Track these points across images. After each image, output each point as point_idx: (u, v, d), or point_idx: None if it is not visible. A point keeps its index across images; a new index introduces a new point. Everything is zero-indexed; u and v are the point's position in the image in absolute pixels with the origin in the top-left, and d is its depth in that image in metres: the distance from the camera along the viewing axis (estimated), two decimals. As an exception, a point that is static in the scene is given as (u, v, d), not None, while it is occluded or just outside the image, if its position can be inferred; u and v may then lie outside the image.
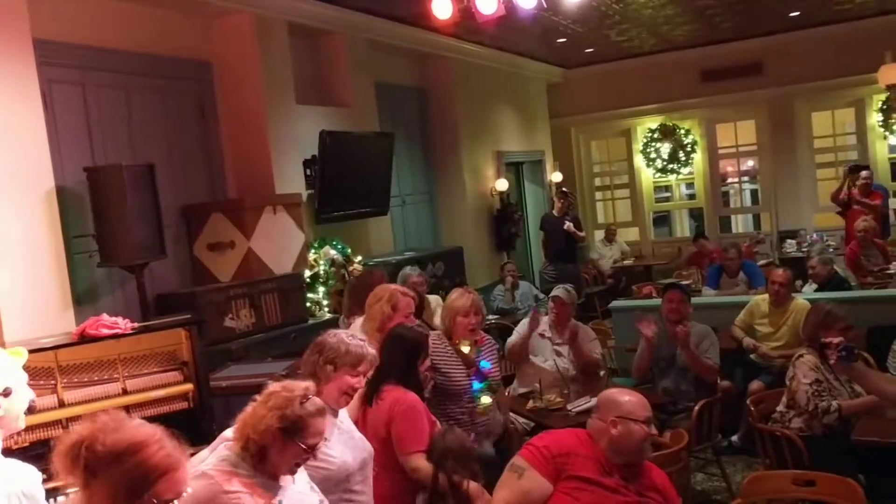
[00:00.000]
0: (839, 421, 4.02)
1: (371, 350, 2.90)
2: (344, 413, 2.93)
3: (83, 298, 5.07)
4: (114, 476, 1.67)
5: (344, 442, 2.81)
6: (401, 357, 3.31)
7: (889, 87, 8.97)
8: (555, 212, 9.83)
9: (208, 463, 2.30)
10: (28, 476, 2.28)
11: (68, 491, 1.82)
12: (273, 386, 2.36)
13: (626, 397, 3.00)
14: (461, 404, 3.88)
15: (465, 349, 3.93)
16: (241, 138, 6.52)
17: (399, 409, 3.15)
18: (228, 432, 2.38)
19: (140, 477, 1.68)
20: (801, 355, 4.27)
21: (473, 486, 2.97)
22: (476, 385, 3.90)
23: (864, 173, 8.62)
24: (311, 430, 2.28)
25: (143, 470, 1.68)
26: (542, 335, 5.20)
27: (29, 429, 3.55)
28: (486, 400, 3.91)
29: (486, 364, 3.98)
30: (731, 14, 9.61)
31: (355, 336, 2.94)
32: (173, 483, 1.72)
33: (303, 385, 2.37)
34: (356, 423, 3.14)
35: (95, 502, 1.70)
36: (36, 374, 3.64)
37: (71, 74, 5.27)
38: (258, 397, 2.35)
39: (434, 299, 6.10)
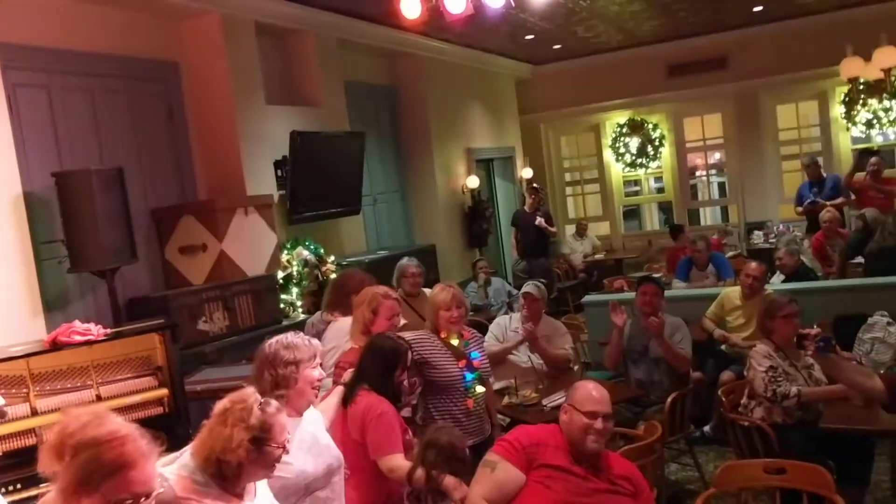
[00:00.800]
0: (799, 406, 4.09)
1: (309, 340, 2.88)
2: (309, 417, 2.91)
3: (53, 304, 5.01)
4: (74, 467, 1.67)
5: (306, 448, 2.79)
6: (377, 365, 3.33)
7: (851, 80, 9.12)
8: (526, 207, 9.89)
9: (170, 468, 2.27)
10: None
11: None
12: (221, 404, 2.32)
13: (582, 388, 3.11)
14: (455, 397, 3.91)
15: (455, 342, 3.97)
16: (211, 139, 6.48)
17: (372, 415, 3.18)
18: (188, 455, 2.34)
19: (94, 469, 1.67)
20: (753, 345, 4.37)
21: (450, 479, 2.98)
22: (468, 376, 3.94)
23: (873, 159, 8.57)
24: (277, 428, 2.30)
25: (99, 463, 1.68)
26: (515, 331, 5.23)
27: (1, 438, 3.53)
28: (479, 389, 3.97)
29: (476, 355, 4.04)
30: (696, 9, 9.74)
31: (286, 336, 2.89)
32: (128, 481, 1.70)
33: (250, 391, 2.35)
34: (335, 424, 3.15)
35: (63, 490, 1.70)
36: (7, 383, 3.61)
37: (36, 78, 5.20)
38: (212, 419, 2.31)
39: (429, 292, 6.10)
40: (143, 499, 1.72)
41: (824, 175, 9.08)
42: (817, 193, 8.85)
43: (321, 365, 2.91)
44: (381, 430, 3.15)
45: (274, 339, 2.88)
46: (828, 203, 8.44)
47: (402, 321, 4.15)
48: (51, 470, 1.71)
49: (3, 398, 3.54)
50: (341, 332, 4.19)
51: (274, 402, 2.35)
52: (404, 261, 6.17)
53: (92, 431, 1.70)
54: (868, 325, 5.04)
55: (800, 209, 9.08)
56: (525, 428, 3.24)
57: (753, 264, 5.98)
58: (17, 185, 4.58)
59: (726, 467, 3.44)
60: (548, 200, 12.07)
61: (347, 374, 3.42)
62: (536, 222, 9.47)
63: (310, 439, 2.85)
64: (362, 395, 3.25)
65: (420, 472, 3.00)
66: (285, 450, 2.33)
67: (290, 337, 2.87)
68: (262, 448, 2.25)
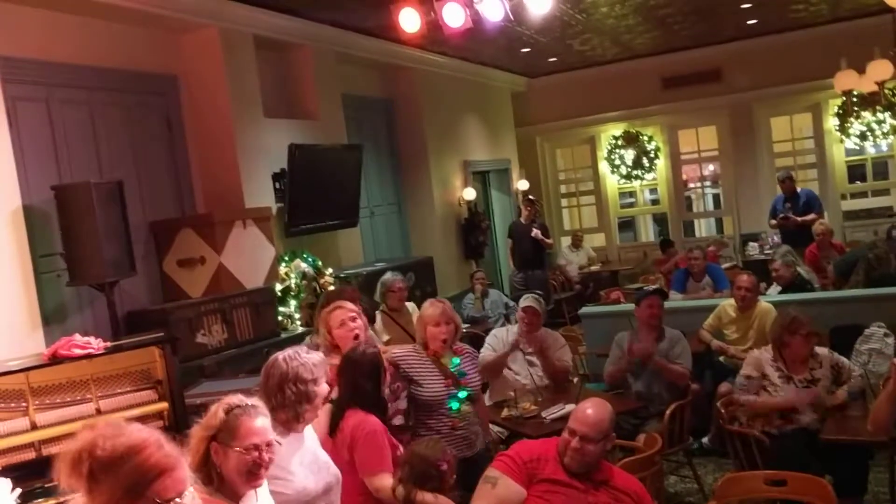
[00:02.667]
0: (752, 416, 4.21)
1: (313, 356, 2.92)
2: (307, 435, 2.92)
3: (51, 318, 5.00)
4: (115, 478, 1.69)
5: (307, 465, 2.80)
6: (358, 381, 3.28)
7: (845, 93, 9.19)
8: (522, 219, 9.92)
9: None
10: None
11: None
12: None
13: (581, 405, 3.16)
14: (440, 414, 3.85)
15: (445, 360, 3.90)
16: (209, 153, 6.49)
17: (360, 432, 3.14)
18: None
19: (140, 477, 1.71)
20: (758, 350, 4.43)
21: (427, 496, 2.94)
22: (456, 394, 3.87)
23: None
24: (242, 431, 2.31)
25: (142, 470, 1.71)
26: (511, 344, 5.21)
27: (0, 452, 3.52)
28: (465, 408, 3.90)
29: (464, 374, 3.96)
30: (691, 22, 9.80)
31: (300, 352, 2.93)
32: (172, 482, 1.74)
33: (230, 398, 2.40)
34: (324, 443, 3.11)
35: None
36: (7, 397, 3.60)
37: (35, 91, 5.20)
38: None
39: (411, 307, 6.12)
40: (184, 495, 1.77)
41: (798, 190, 9.20)
42: (790, 209, 8.98)
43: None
44: (369, 449, 3.12)
45: (287, 355, 2.90)
46: (799, 219, 8.63)
47: (367, 330, 4.08)
48: (68, 484, 1.72)
49: (2, 412, 3.54)
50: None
51: (244, 401, 2.37)
52: (388, 275, 6.19)
53: (124, 441, 1.73)
54: (865, 336, 5.08)
55: (773, 222, 9.22)
56: (526, 443, 3.26)
57: (745, 276, 5.99)
58: (16, 199, 4.58)
59: (727, 479, 3.46)
60: (544, 212, 12.11)
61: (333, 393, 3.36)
62: (533, 234, 9.50)
63: (310, 456, 2.86)
64: (350, 414, 3.22)
65: (400, 490, 2.97)
66: (260, 458, 2.33)
67: (304, 354, 2.90)
68: (226, 450, 2.30)
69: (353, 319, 3.90)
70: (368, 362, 3.34)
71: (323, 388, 2.88)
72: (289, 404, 2.79)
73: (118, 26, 5.80)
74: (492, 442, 4.39)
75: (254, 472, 2.34)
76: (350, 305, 3.98)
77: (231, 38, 6.52)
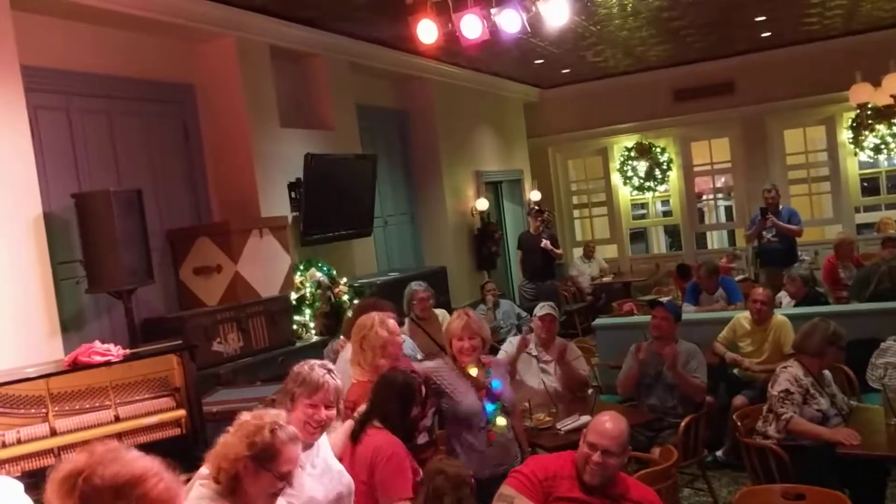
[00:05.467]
0: (786, 431, 4.14)
1: (332, 381, 2.85)
2: (322, 444, 2.90)
3: (69, 325, 5.04)
4: None
5: (316, 476, 2.78)
6: (391, 403, 3.23)
7: (860, 106, 9.18)
8: (531, 230, 9.92)
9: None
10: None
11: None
12: (243, 415, 2.36)
13: (599, 417, 3.13)
14: (474, 429, 3.77)
15: (473, 372, 3.82)
16: (226, 161, 6.54)
17: (382, 456, 3.08)
18: (204, 469, 2.36)
19: None
20: (786, 367, 4.38)
21: None
22: (489, 407, 3.79)
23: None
24: (282, 458, 2.27)
25: (148, 500, 1.67)
26: (527, 353, 5.21)
27: (20, 458, 3.55)
28: (501, 422, 3.81)
29: (497, 384, 3.86)
30: (704, 35, 9.82)
31: (325, 365, 2.90)
32: None
33: (273, 413, 2.37)
34: (341, 459, 3.07)
35: None
36: (27, 403, 3.63)
37: (56, 100, 5.28)
38: (230, 428, 2.35)
39: (441, 313, 6.14)
40: None
41: (780, 207, 8.38)
42: (772, 226, 8.42)
43: (325, 406, 2.88)
44: (390, 472, 3.05)
45: (310, 361, 2.91)
46: (784, 224, 8.02)
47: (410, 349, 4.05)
48: None
49: (23, 418, 3.56)
50: (348, 363, 4.02)
51: (291, 430, 2.34)
52: (413, 285, 6.21)
53: (125, 471, 1.68)
54: (881, 350, 5.04)
55: (748, 233, 8.74)
56: (540, 459, 3.25)
57: (760, 289, 5.98)
58: (37, 206, 4.62)
59: (745, 493, 3.44)
60: (555, 223, 12.11)
61: (359, 411, 3.31)
62: (542, 245, 9.49)
63: (322, 465, 2.85)
64: (372, 434, 3.16)
65: None
66: (287, 483, 2.31)
67: (315, 368, 2.87)
68: (260, 471, 2.25)
69: (401, 346, 3.87)
70: (402, 383, 3.29)
71: (307, 410, 2.80)
72: (279, 403, 2.80)
73: (136, 36, 5.86)
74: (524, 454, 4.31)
75: (276, 495, 2.33)
76: (399, 338, 3.87)
77: (248, 49, 6.57)
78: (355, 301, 6.54)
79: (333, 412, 2.87)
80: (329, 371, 2.88)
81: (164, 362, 4.05)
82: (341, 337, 4.72)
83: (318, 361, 2.94)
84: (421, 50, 6.85)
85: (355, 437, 3.19)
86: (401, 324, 5.10)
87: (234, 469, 2.24)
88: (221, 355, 5.43)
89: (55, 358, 4.28)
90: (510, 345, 5.32)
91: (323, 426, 2.85)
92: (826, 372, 4.39)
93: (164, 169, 6.12)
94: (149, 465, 1.72)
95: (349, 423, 3.26)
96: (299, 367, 2.89)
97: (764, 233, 8.20)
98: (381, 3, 6.52)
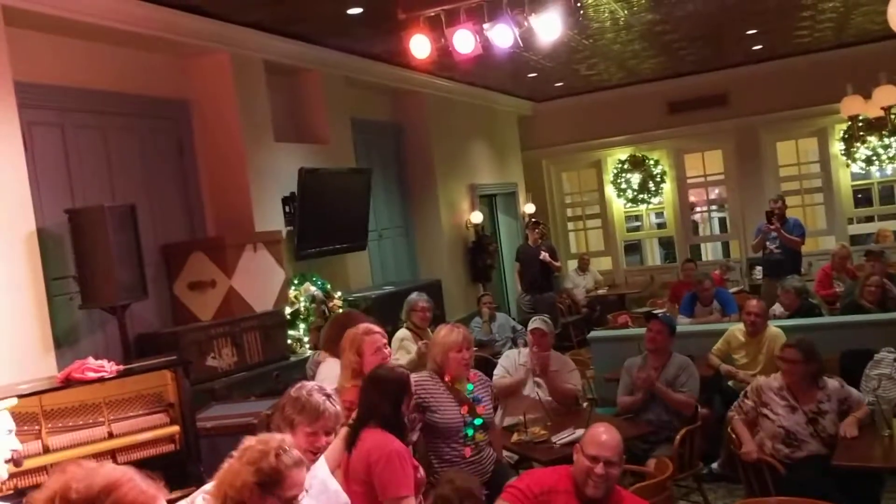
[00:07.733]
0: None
1: (332, 407, 2.83)
2: (318, 464, 2.88)
3: (63, 341, 5.01)
4: None
5: (314, 496, 2.76)
6: (381, 399, 3.21)
7: (851, 118, 9.23)
8: (529, 242, 9.93)
9: None
10: None
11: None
12: (248, 440, 2.34)
13: (593, 429, 3.14)
14: (453, 443, 3.82)
15: (460, 386, 3.86)
16: (220, 176, 6.54)
17: (378, 455, 3.06)
18: (209, 486, 2.35)
19: None
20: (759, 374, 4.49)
21: None
22: (476, 422, 3.84)
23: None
24: (288, 483, 2.25)
25: None
26: (524, 365, 5.21)
27: (13, 475, 3.52)
28: (478, 436, 3.87)
29: (479, 399, 3.92)
30: (697, 48, 9.88)
31: (323, 389, 2.88)
32: None
33: (279, 437, 2.35)
34: (337, 469, 3.07)
35: None
36: (20, 420, 3.60)
37: (50, 116, 5.27)
38: (235, 453, 2.32)
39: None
40: None
41: (787, 218, 8.46)
42: (776, 237, 8.41)
43: (325, 433, 2.89)
44: (390, 470, 3.05)
45: (307, 384, 2.89)
46: (787, 235, 8.14)
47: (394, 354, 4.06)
48: None
49: (21, 443, 3.53)
50: (331, 373, 4.04)
51: (296, 454, 2.32)
52: (414, 295, 6.21)
53: (99, 480, 1.68)
54: (875, 361, 5.04)
55: (754, 242, 8.85)
56: (535, 474, 3.24)
57: (753, 301, 6.00)
58: (31, 222, 4.61)
59: (740, 505, 3.44)
60: (550, 235, 12.13)
61: (352, 418, 3.31)
62: (541, 257, 9.49)
63: (318, 486, 2.83)
64: (367, 434, 3.15)
65: None
66: None
67: (314, 394, 2.85)
68: (266, 497, 2.22)
69: (386, 346, 3.85)
70: (393, 381, 3.27)
71: (307, 438, 2.79)
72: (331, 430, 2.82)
73: (131, 52, 5.88)
74: (502, 468, 4.35)
75: None
76: (381, 331, 3.89)
77: (242, 64, 6.59)
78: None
79: (332, 437, 2.88)
80: (328, 397, 2.86)
81: (158, 378, 4.03)
82: (321, 352, 4.69)
83: (315, 385, 2.92)
84: (415, 64, 6.89)
85: (350, 445, 3.19)
86: (389, 332, 5.13)
87: (241, 497, 2.22)
88: (216, 370, 5.41)
89: (48, 374, 4.26)
90: (507, 359, 5.34)
91: (322, 451, 2.85)
92: (832, 394, 4.35)
93: (159, 184, 6.12)
94: (121, 473, 1.73)
95: (344, 431, 3.24)
96: (296, 391, 2.86)
97: (767, 243, 8.38)
98: (375, 18, 6.55)
